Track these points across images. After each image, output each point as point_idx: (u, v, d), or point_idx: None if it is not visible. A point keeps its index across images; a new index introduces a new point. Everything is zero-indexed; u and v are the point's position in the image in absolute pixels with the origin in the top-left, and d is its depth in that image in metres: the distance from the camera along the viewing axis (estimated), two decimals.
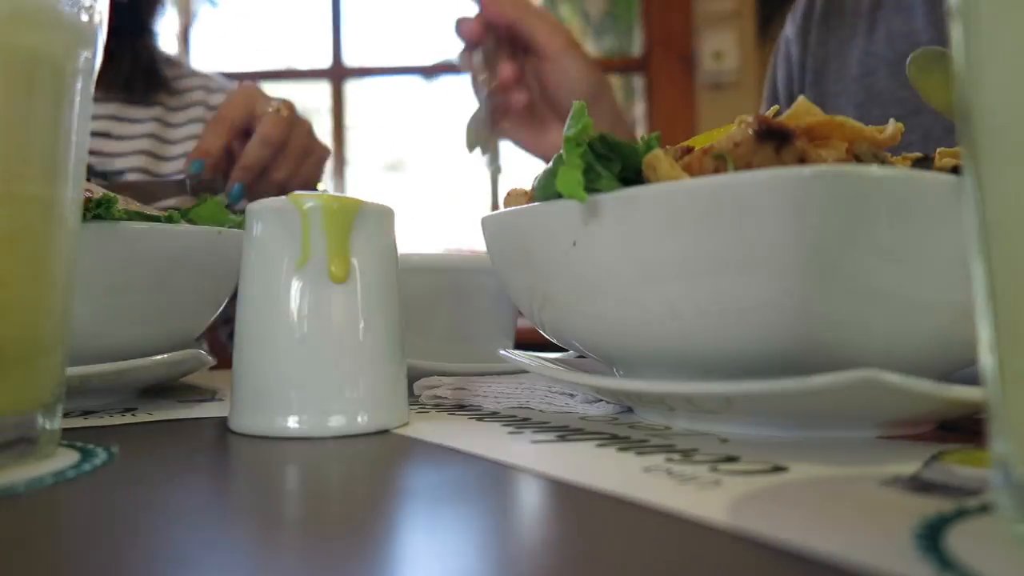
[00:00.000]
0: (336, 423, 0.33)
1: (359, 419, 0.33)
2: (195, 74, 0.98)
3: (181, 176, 0.68)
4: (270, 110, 0.71)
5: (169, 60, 0.97)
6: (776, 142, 0.28)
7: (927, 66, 0.35)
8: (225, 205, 0.51)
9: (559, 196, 0.31)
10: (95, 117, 0.86)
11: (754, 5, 2.48)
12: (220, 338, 0.92)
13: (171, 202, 0.83)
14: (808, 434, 0.30)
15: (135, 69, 0.89)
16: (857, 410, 0.28)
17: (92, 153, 0.86)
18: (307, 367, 0.33)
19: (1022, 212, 0.16)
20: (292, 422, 0.33)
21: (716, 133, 0.34)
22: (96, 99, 0.73)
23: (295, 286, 0.33)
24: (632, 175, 0.31)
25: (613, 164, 0.31)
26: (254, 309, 0.34)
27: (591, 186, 0.30)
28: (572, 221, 0.31)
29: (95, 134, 0.85)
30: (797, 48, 0.77)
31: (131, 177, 0.87)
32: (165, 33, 0.98)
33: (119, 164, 0.87)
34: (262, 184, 0.70)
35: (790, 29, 0.80)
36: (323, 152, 0.77)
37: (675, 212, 0.29)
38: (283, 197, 0.34)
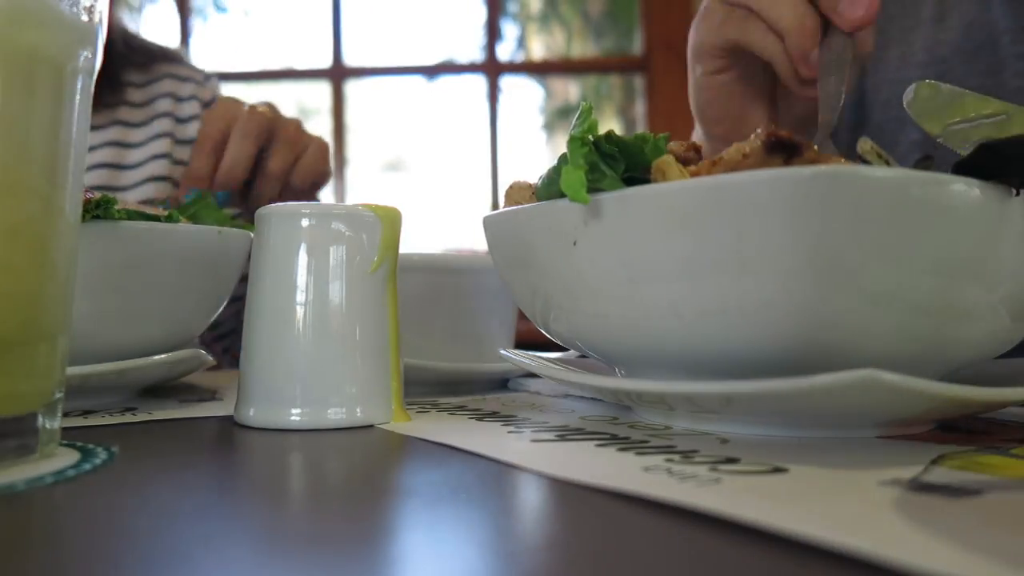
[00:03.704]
0: (335, 416, 0.35)
1: (357, 412, 0.35)
2: (157, 56, 0.88)
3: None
4: (246, 110, 0.68)
5: (128, 40, 0.86)
6: (785, 154, 0.28)
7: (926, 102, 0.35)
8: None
9: (562, 196, 0.31)
10: None
11: None
12: (205, 338, 0.89)
13: None
14: (808, 434, 0.30)
15: None
16: (857, 410, 0.28)
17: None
18: (314, 362, 0.35)
19: None
20: (295, 415, 0.34)
21: None
22: None
23: (311, 286, 0.35)
24: (637, 175, 0.31)
25: (618, 163, 0.31)
26: (266, 308, 0.36)
27: (595, 185, 0.30)
28: (573, 221, 0.31)
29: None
30: None
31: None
32: (135, 14, 0.90)
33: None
34: (260, 181, 0.67)
35: None
36: (321, 143, 0.73)
37: (676, 212, 0.29)
38: (328, 203, 0.36)
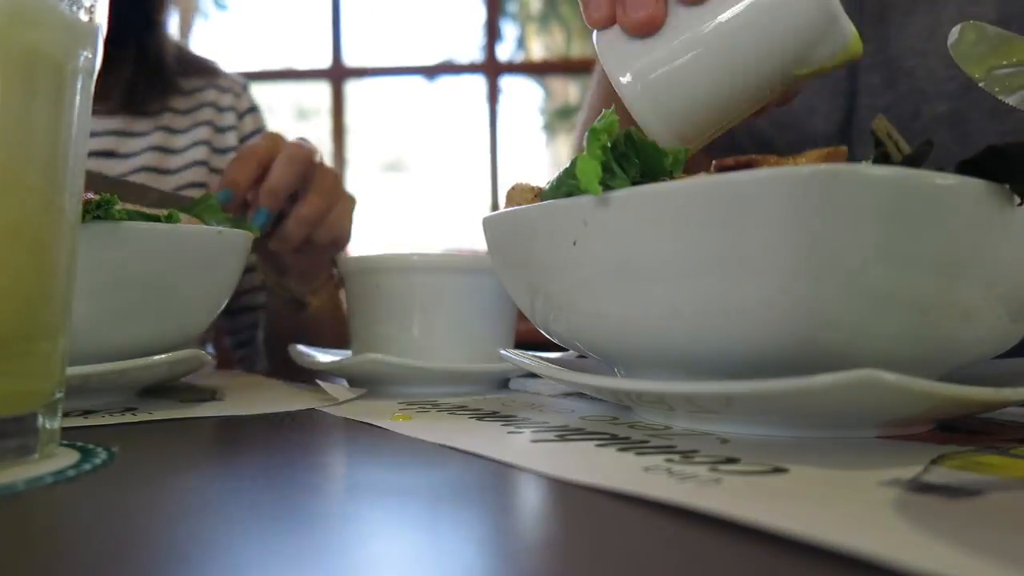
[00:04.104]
0: None
1: None
2: (204, 69, 0.92)
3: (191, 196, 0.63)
4: (292, 141, 0.67)
5: (180, 52, 0.90)
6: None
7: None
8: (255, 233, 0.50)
9: (568, 196, 0.31)
10: (97, 134, 0.81)
11: None
12: (224, 345, 0.91)
13: None
14: (808, 434, 0.30)
15: (139, 73, 0.84)
16: (857, 410, 0.28)
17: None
18: None
19: None
20: None
21: None
22: (97, 112, 0.69)
23: None
24: (650, 180, 0.31)
25: (631, 165, 0.31)
26: None
27: (604, 183, 0.30)
28: (572, 221, 0.31)
29: (97, 154, 0.80)
30: None
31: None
32: (171, 25, 0.92)
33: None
34: (290, 223, 0.64)
35: None
36: (351, 202, 0.69)
37: (674, 212, 0.29)
38: None
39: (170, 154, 0.84)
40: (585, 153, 0.31)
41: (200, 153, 0.86)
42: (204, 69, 0.92)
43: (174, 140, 0.86)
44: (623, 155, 0.31)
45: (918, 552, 0.16)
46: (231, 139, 0.91)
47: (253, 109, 0.94)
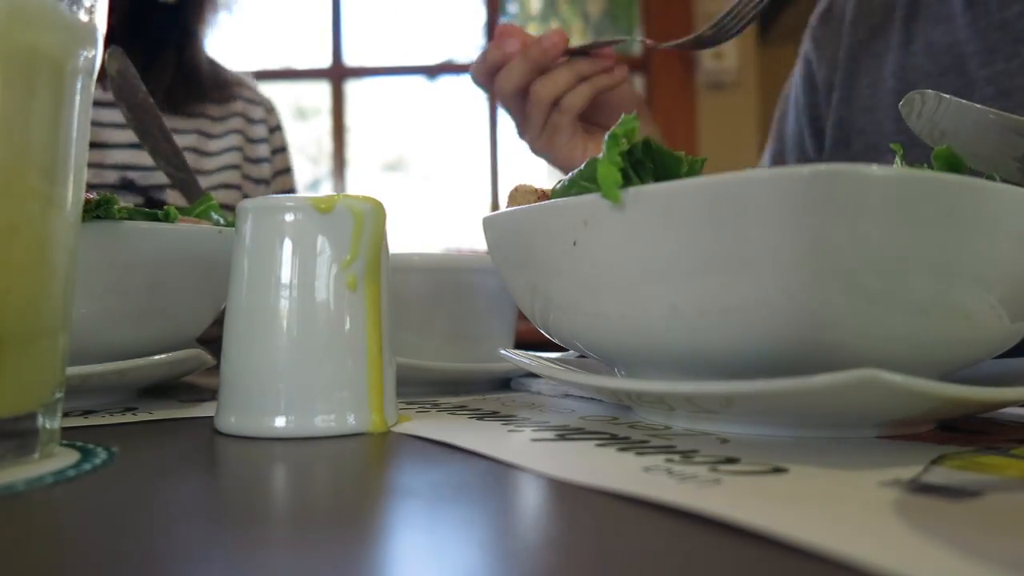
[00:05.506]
0: (323, 424, 0.33)
1: (348, 420, 0.33)
2: (234, 82, 0.98)
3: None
4: None
5: (213, 66, 0.97)
6: None
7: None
8: None
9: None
10: None
11: None
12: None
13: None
14: (808, 434, 0.30)
15: (179, 79, 0.91)
16: (857, 410, 0.28)
17: (133, 168, 0.86)
18: (298, 366, 0.33)
19: None
20: (279, 422, 0.33)
21: None
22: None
23: (294, 285, 0.33)
24: None
25: (646, 172, 0.31)
26: (247, 307, 0.34)
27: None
28: (573, 221, 0.31)
29: (138, 146, 0.84)
30: (823, 67, 0.74)
31: (168, 191, 0.86)
32: (211, 37, 1.00)
33: (157, 178, 0.86)
34: None
35: (809, 47, 0.76)
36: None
37: (675, 211, 0.29)
38: (299, 196, 0.35)
39: (204, 156, 0.90)
40: (604, 158, 0.31)
41: (233, 158, 0.93)
42: (234, 82, 0.99)
43: (208, 144, 0.92)
44: (638, 162, 0.31)
45: (917, 559, 0.16)
46: (263, 151, 0.97)
47: (279, 127, 1.01)
